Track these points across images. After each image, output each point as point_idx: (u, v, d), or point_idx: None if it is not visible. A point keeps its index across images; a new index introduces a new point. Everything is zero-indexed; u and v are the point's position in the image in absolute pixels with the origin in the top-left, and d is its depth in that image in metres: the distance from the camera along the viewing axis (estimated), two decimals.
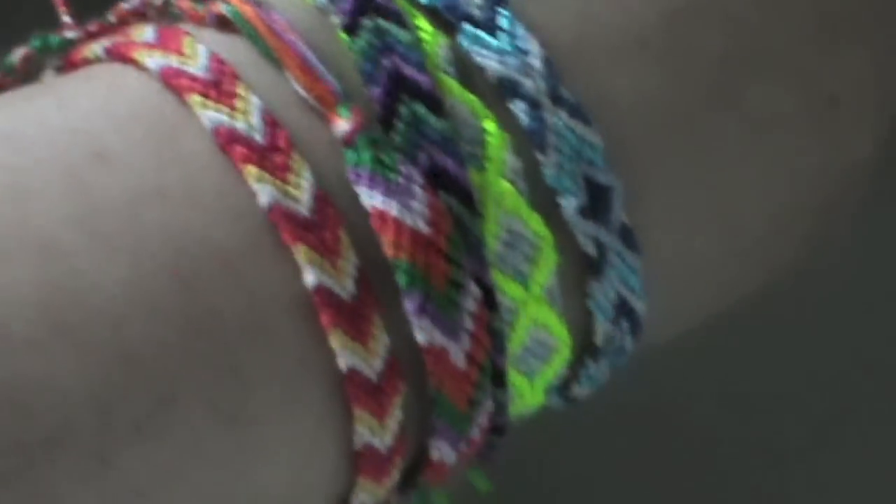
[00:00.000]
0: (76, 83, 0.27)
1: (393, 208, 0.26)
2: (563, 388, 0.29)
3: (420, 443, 0.27)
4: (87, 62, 0.27)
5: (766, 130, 0.29)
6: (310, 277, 0.25)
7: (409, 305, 0.26)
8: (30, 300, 0.24)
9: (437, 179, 0.26)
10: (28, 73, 0.29)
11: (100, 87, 0.26)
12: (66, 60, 0.28)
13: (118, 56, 0.27)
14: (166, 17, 0.28)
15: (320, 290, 0.25)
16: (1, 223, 0.24)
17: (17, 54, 0.29)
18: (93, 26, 0.29)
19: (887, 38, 0.31)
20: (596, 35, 0.28)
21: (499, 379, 0.27)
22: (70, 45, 0.28)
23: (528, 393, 0.28)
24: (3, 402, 0.24)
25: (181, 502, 0.25)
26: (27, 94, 0.27)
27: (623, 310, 0.28)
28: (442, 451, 0.27)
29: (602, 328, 0.28)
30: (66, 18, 0.29)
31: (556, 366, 0.28)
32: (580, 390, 0.29)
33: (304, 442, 0.26)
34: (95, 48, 0.27)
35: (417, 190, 0.26)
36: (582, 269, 0.28)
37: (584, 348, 0.28)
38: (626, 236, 0.28)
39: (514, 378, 0.27)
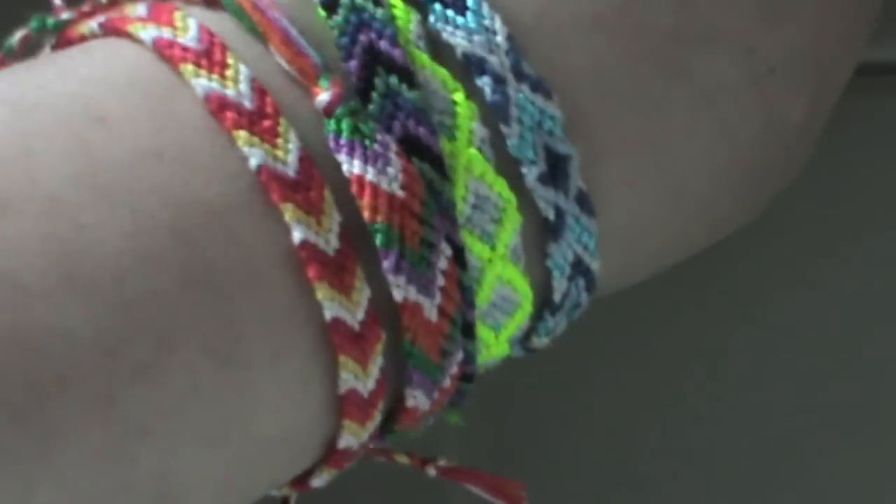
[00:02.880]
0: (74, 54, 0.27)
1: (370, 174, 0.26)
2: (523, 339, 0.30)
3: (396, 390, 0.28)
4: (84, 38, 0.28)
5: (711, 99, 0.30)
6: (297, 234, 0.26)
7: (386, 264, 0.26)
8: (38, 252, 0.25)
9: (411, 147, 0.27)
10: (26, 54, 0.29)
11: (97, 57, 0.27)
12: (63, 37, 0.28)
13: (113, 30, 0.27)
14: None
15: (306, 245, 0.26)
16: (9, 182, 0.25)
17: (16, 37, 0.29)
18: (86, 7, 0.29)
19: (818, 13, 0.31)
20: (555, 13, 0.28)
21: (468, 331, 0.28)
22: (66, 25, 0.29)
23: (493, 344, 0.29)
24: (17, 345, 0.24)
25: (181, 438, 0.25)
26: (28, 66, 0.27)
27: (579, 268, 0.29)
28: (417, 399, 0.28)
29: (560, 285, 0.29)
30: (58, 1, 0.30)
31: (519, 319, 0.29)
32: (539, 341, 0.30)
33: (293, 385, 0.26)
34: (91, 25, 0.28)
35: (392, 157, 0.27)
36: (542, 230, 0.28)
37: (544, 303, 0.29)
38: (583, 201, 0.29)
39: (482, 330, 0.28)
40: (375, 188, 0.26)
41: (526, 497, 0.31)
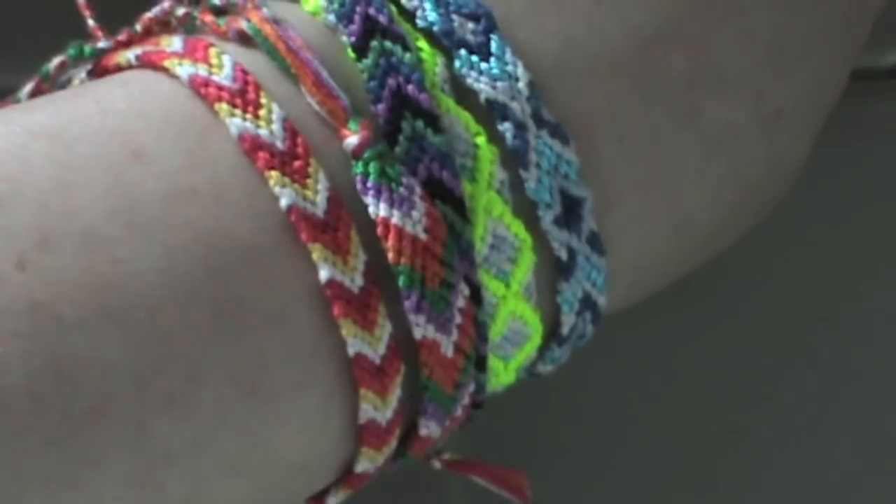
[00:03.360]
0: (112, 87, 0.27)
1: (395, 217, 0.27)
2: (529, 366, 0.30)
3: (411, 419, 0.28)
4: (119, 68, 0.28)
5: (720, 143, 0.30)
6: (323, 273, 0.26)
7: (408, 304, 0.27)
8: (76, 285, 0.25)
9: (434, 189, 0.27)
10: (60, 79, 0.29)
11: (134, 91, 0.27)
12: (98, 66, 0.29)
13: (149, 64, 0.28)
14: (187, 27, 0.29)
15: (332, 284, 0.26)
16: (49, 215, 0.25)
17: (53, 63, 0.29)
18: (122, 36, 0.29)
19: (822, 59, 0.31)
20: (574, 59, 0.29)
21: (481, 364, 0.28)
22: (102, 53, 0.29)
23: (502, 373, 0.29)
24: (54, 374, 0.25)
25: (207, 464, 0.26)
26: (68, 96, 0.27)
27: (587, 304, 0.29)
28: (430, 429, 0.28)
29: (568, 320, 0.29)
30: (92, 23, 0.30)
31: (528, 351, 0.29)
32: (544, 368, 0.30)
33: (315, 415, 0.27)
34: (127, 55, 0.28)
35: (417, 200, 0.27)
36: (554, 269, 0.29)
37: (552, 335, 0.30)
38: (594, 241, 0.29)
39: (493, 361, 0.29)
40: (400, 231, 0.27)
41: (527, 488, 0.32)
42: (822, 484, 0.39)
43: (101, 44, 0.30)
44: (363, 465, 0.28)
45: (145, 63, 0.28)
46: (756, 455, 0.38)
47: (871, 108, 0.39)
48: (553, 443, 0.36)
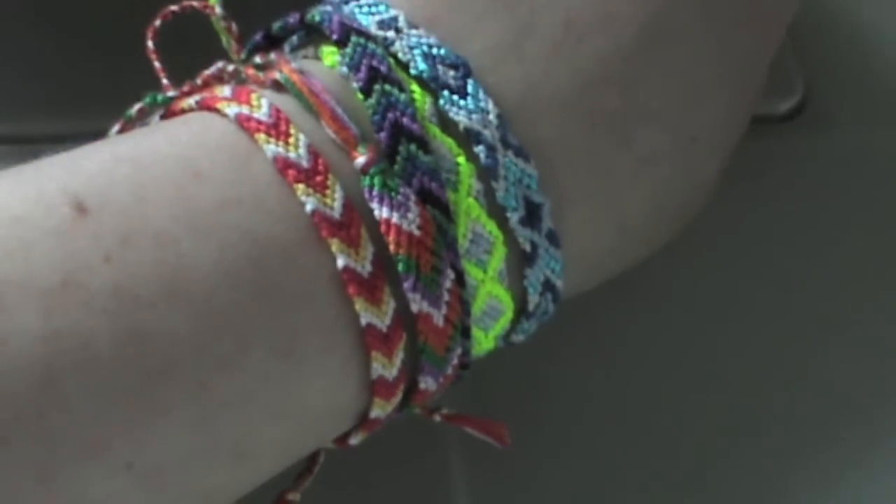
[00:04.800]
0: (178, 125, 0.27)
1: (395, 218, 0.26)
2: (505, 336, 0.30)
3: (412, 377, 0.28)
4: (184, 111, 0.28)
5: (648, 162, 0.30)
6: (340, 261, 0.26)
7: (406, 285, 0.26)
8: (150, 273, 0.25)
9: (426, 197, 0.27)
10: (141, 121, 0.29)
11: (195, 127, 0.27)
12: (168, 110, 0.28)
13: (206, 106, 0.27)
14: (236, 80, 0.29)
15: (347, 270, 0.26)
16: (129, 221, 0.25)
17: (135, 108, 0.29)
18: (186, 87, 0.29)
19: (732, 94, 0.31)
20: (532, 98, 0.28)
21: (466, 333, 0.28)
22: (171, 100, 0.29)
23: (483, 341, 0.29)
24: (133, 342, 0.24)
25: (253, 412, 0.26)
26: (145, 132, 0.27)
27: (548, 286, 0.29)
28: (427, 384, 0.28)
29: (533, 299, 0.29)
30: (165, 81, 0.30)
31: (503, 323, 0.29)
32: (516, 338, 0.30)
33: (336, 374, 0.26)
34: (190, 101, 0.28)
35: (412, 205, 0.27)
36: (521, 259, 0.28)
37: (521, 311, 0.29)
38: (552, 237, 0.28)
39: (475, 332, 0.28)
40: (399, 229, 0.26)
41: (507, 435, 0.31)
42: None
43: (171, 93, 0.29)
44: (376, 413, 0.28)
45: (203, 106, 0.28)
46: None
47: (769, 147, 0.38)
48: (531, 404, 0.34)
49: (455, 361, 0.28)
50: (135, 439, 0.24)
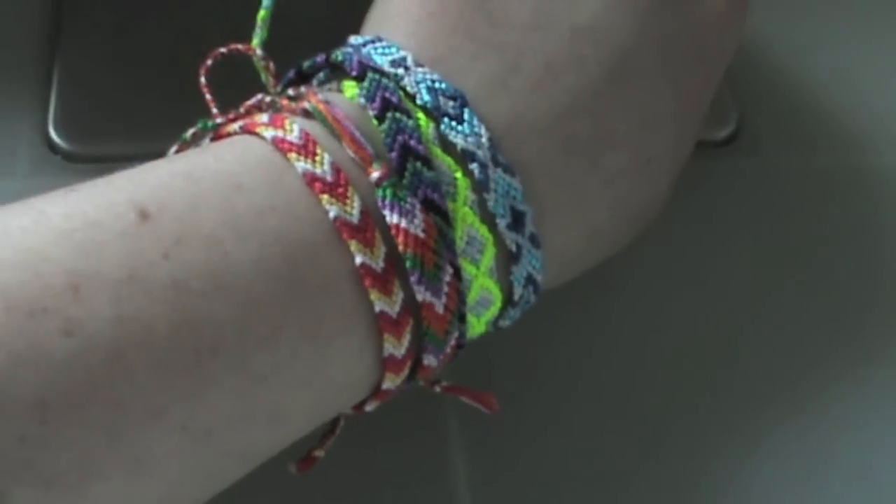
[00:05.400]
0: (224, 146, 0.27)
1: (403, 223, 0.26)
2: (494, 322, 0.29)
3: (417, 355, 0.27)
4: (230, 135, 0.28)
5: (613, 178, 0.29)
6: (358, 259, 0.26)
7: (413, 278, 0.26)
8: (201, 269, 0.25)
9: (429, 205, 0.27)
10: (194, 143, 0.29)
11: (238, 147, 0.27)
12: (217, 134, 0.28)
13: (248, 131, 0.27)
14: (273, 109, 0.29)
15: (364, 266, 0.26)
16: (183, 225, 0.25)
17: (189, 132, 0.29)
18: (231, 115, 0.29)
19: (681, 123, 0.31)
20: (518, 125, 0.28)
21: (462, 319, 0.28)
22: (219, 126, 0.29)
23: (476, 325, 0.28)
24: (186, 326, 0.24)
25: (286, 383, 0.25)
26: (196, 152, 0.27)
27: (530, 280, 0.29)
28: (429, 360, 0.27)
29: (518, 291, 0.29)
30: (215, 110, 0.30)
31: (493, 311, 0.29)
32: (503, 323, 0.30)
33: (354, 352, 0.26)
34: (234, 127, 0.28)
35: (418, 213, 0.26)
36: (508, 258, 0.28)
37: (508, 301, 0.29)
38: (534, 240, 0.28)
39: (470, 318, 0.28)
40: (407, 232, 0.26)
41: (496, 403, 0.31)
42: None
43: (219, 120, 0.29)
44: (387, 385, 0.28)
45: (245, 131, 0.28)
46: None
47: (709, 166, 0.38)
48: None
49: (453, 342, 0.28)
50: (188, 406, 0.24)
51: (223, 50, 0.30)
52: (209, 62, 0.30)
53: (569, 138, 0.29)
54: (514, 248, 0.28)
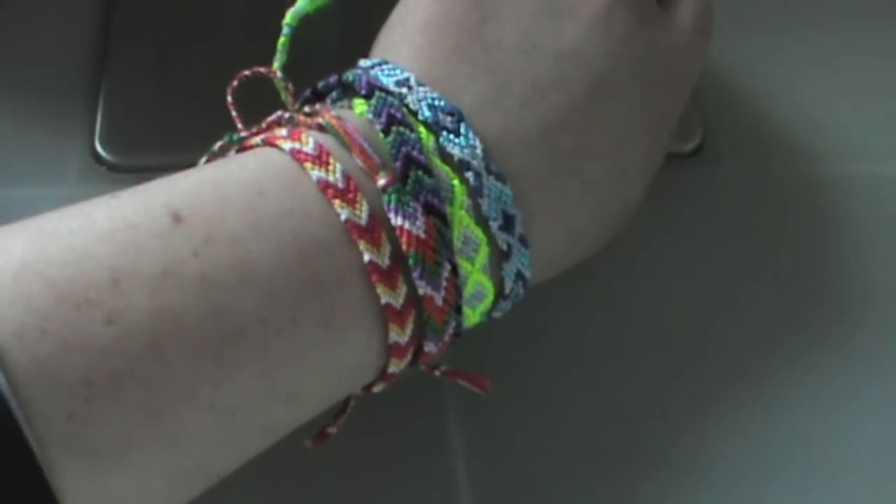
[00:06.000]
0: (248, 156, 0.26)
1: (406, 224, 0.25)
2: (487, 314, 0.28)
3: (419, 343, 0.27)
4: (253, 147, 0.27)
5: (592, 187, 0.29)
6: (366, 256, 0.25)
7: (415, 274, 0.25)
8: (226, 265, 0.24)
9: (429, 209, 0.26)
10: (222, 154, 0.28)
11: (260, 158, 0.26)
12: (241, 146, 0.28)
13: (269, 143, 0.26)
14: (291, 124, 0.28)
15: (371, 263, 0.25)
16: (211, 226, 0.24)
17: (217, 145, 0.28)
18: (254, 129, 0.28)
19: (652, 137, 0.30)
20: (508, 138, 0.27)
21: (459, 310, 0.27)
22: (244, 139, 0.28)
23: (472, 316, 0.27)
24: (213, 315, 0.23)
25: (303, 367, 0.25)
26: (223, 161, 0.26)
27: (519, 276, 0.28)
28: (430, 347, 0.26)
29: (509, 286, 0.28)
30: (240, 126, 0.29)
31: (486, 304, 0.27)
32: (496, 314, 0.29)
33: (363, 340, 0.25)
34: (257, 140, 0.27)
35: (419, 216, 0.25)
36: (500, 256, 0.27)
37: (499, 295, 0.28)
38: (523, 240, 0.27)
39: (466, 310, 0.27)
40: (409, 233, 0.25)
41: (489, 385, 0.29)
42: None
43: (243, 134, 0.28)
44: (392, 369, 0.26)
45: (267, 143, 0.27)
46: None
47: (677, 176, 0.37)
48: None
49: (451, 331, 0.27)
50: (215, 387, 0.23)
51: (247, 72, 0.29)
52: (235, 83, 0.30)
53: (553, 150, 0.28)
54: (505, 248, 0.27)
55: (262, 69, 0.29)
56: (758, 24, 0.37)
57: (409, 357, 0.26)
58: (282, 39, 0.29)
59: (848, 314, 0.34)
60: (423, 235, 0.25)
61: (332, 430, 0.28)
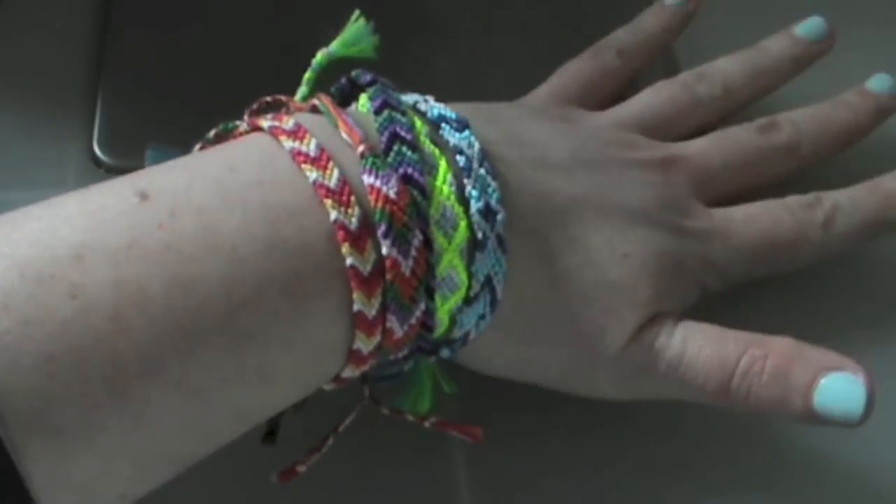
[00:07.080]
0: (236, 144, 0.26)
1: (377, 183, 0.25)
2: (450, 324, 0.27)
3: (387, 326, 0.26)
4: (241, 133, 0.27)
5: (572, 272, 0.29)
6: (332, 215, 0.25)
7: (379, 232, 0.25)
8: (191, 235, 0.24)
9: (407, 180, 0.26)
10: (218, 142, 0.28)
11: (241, 139, 0.26)
12: (235, 133, 0.28)
13: (253, 126, 0.27)
14: (282, 108, 0.28)
15: (338, 222, 0.25)
16: (178, 199, 0.24)
17: (212, 133, 0.28)
18: (246, 118, 0.28)
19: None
20: (495, 138, 0.29)
21: (429, 292, 0.26)
22: (235, 127, 0.28)
23: (440, 310, 0.26)
24: (177, 286, 0.23)
25: (272, 342, 0.24)
26: (218, 148, 0.26)
27: (489, 284, 0.27)
28: (393, 323, 0.26)
29: (475, 288, 0.27)
30: (239, 123, 0.29)
31: (457, 298, 0.27)
32: (458, 332, 0.27)
33: (332, 312, 0.25)
34: (244, 126, 0.27)
35: (393, 179, 0.25)
36: (475, 243, 0.27)
37: (465, 300, 0.27)
38: (501, 242, 0.27)
39: (436, 298, 0.26)
40: (379, 190, 0.25)
41: (482, 435, 0.29)
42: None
43: (237, 122, 0.28)
44: (359, 344, 0.25)
45: (252, 127, 0.27)
46: None
47: None
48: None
49: (419, 313, 0.26)
50: (181, 361, 0.23)
51: (268, 98, 0.29)
52: (255, 106, 0.29)
53: (526, 167, 0.29)
54: (480, 236, 0.27)
55: (282, 97, 0.29)
56: (758, 24, 0.37)
57: (377, 336, 0.25)
58: (308, 74, 0.29)
59: (848, 314, 0.34)
60: (392, 195, 0.25)
61: (301, 467, 0.28)
